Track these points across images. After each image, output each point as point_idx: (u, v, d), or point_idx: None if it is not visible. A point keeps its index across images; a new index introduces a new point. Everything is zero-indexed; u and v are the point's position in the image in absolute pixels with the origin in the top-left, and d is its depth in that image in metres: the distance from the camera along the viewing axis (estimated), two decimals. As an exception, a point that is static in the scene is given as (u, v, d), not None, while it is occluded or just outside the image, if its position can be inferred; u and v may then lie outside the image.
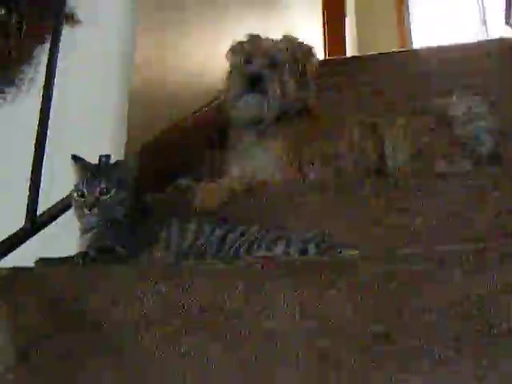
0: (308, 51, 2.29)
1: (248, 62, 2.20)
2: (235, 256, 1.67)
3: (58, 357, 1.38)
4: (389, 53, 5.20)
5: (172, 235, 1.74)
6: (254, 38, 2.30)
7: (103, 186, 1.73)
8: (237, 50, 2.30)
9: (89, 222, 1.74)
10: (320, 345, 1.24)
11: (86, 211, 1.72)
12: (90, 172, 1.77)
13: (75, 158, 1.82)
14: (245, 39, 2.33)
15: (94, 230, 1.73)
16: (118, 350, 1.36)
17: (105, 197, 1.73)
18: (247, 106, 2.15)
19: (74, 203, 1.77)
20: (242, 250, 1.68)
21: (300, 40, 2.31)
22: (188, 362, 1.29)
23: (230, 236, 1.74)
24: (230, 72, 2.30)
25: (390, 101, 3.21)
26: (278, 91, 2.12)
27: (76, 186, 1.76)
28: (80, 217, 1.76)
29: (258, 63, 2.17)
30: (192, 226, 1.76)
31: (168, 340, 1.34)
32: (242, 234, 1.73)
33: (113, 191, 1.74)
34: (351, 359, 1.20)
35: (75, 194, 1.75)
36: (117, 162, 1.88)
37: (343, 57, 5.93)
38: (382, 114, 2.34)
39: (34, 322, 1.45)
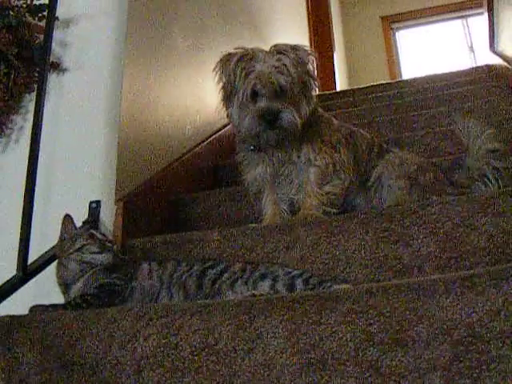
0: (307, 61, 2.12)
1: (254, 93, 2.04)
2: (218, 292, 1.71)
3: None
4: (379, 84, 5.26)
5: (152, 265, 1.86)
6: (249, 58, 2.09)
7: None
8: (231, 69, 2.09)
9: (101, 260, 1.83)
10: (312, 378, 1.24)
11: (108, 244, 1.86)
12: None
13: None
14: (236, 55, 2.09)
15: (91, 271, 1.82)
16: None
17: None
18: (268, 141, 2.06)
19: (84, 241, 1.85)
20: (224, 286, 1.72)
21: (296, 49, 2.11)
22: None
23: (210, 272, 1.80)
24: (227, 87, 2.11)
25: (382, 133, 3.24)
26: (296, 119, 2.03)
27: (79, 233, 1.87)
28: (99, 251, 1.83)
29: (267, 96, 2.02)
30: (171, 262, 1.88)
31: (163, 382, 1.35)
32: (224, 271, 1.77)
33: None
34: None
35: (84, 236, 1.85)
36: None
37: (333, 91, 5.97)
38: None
39: (32, 369, 1.46)
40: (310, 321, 1.29)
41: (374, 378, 1.21)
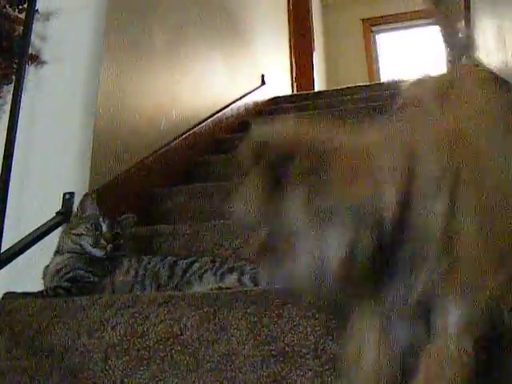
0: None
1: None
2: (188, 282, 1.76)
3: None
4: (357, 86, 5.30)
5: (132, 261, 1.94)
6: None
7: (119, 230, 1.98)
8: None
9: (100, 252, 1.92)
10: (273, 369, 1.29)
11: (103, 242, 1.92)
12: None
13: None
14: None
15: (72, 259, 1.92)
16: (84, 379, 1.41)
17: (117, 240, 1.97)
18: None
19: (84, 230, 1.93)
20: (194, 277, 1.78)
21: None
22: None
23: (181, 262, 1.89)
24: None
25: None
26: None
27: (90, 217, 1.96)
28: (91, 245, 1.92)
29: None
30: (148, 256, 1.97)
31: (129, 370, 1.39)
32: (194, 261, 1.83)
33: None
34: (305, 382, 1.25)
35: (88, 225, 1.93)
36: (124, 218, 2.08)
37: (311, 91, 6.01)
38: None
39: (2, 355, 1.50)
40: (273, 314, 1.34)
41: (332, 371, 1.26)
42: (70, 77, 2.36)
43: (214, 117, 3.60)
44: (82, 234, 1.92)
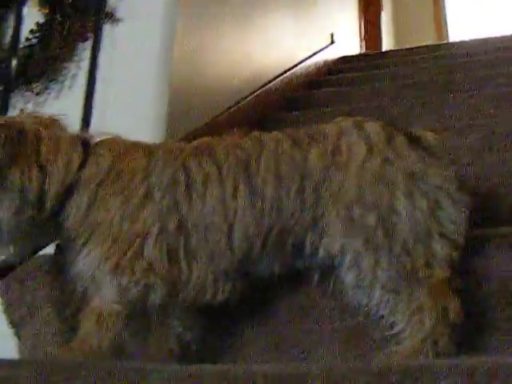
0: None
1: None
2: None
3: None
4: (425, 46, 5.21)
5: None
6: None
7: None
8: None
9: None
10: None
11: None
12: None
13: None
14: None
15: None
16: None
17: None
18: None
19: None
20: None
21: None
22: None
23: None
24: None
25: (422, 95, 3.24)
26: None
27: None
28: None
29: None
30: None
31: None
32: None
33: None
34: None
35: None
36: None
37: (379, 51, 5.94)
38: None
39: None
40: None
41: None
42: (145, 33, 2.37)
43: (284, 75, 3.59)
44: None
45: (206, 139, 1.55)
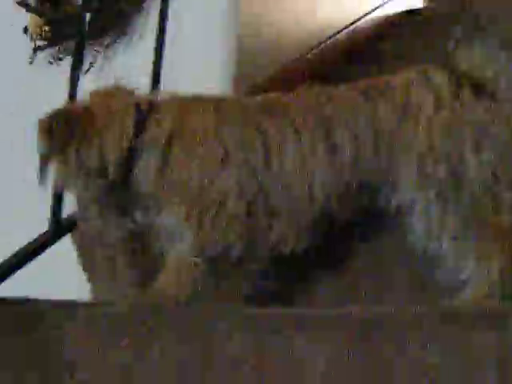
0: None
1: None
2: None
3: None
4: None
5: None
6: None
7: None
8: None
9: None
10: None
11: None
12: None
13: None
14: None
15: None
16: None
17: None
18: None
19: None
20: None
21: None
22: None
23: None
24: None
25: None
26: None
27: None
28: None
29: None
30: None
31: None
32: None
33: None
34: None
35: None
36: None
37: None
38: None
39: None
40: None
41: None
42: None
43: (349, 28, 3.56)
44: None
45: (273, 95, 1.56)
